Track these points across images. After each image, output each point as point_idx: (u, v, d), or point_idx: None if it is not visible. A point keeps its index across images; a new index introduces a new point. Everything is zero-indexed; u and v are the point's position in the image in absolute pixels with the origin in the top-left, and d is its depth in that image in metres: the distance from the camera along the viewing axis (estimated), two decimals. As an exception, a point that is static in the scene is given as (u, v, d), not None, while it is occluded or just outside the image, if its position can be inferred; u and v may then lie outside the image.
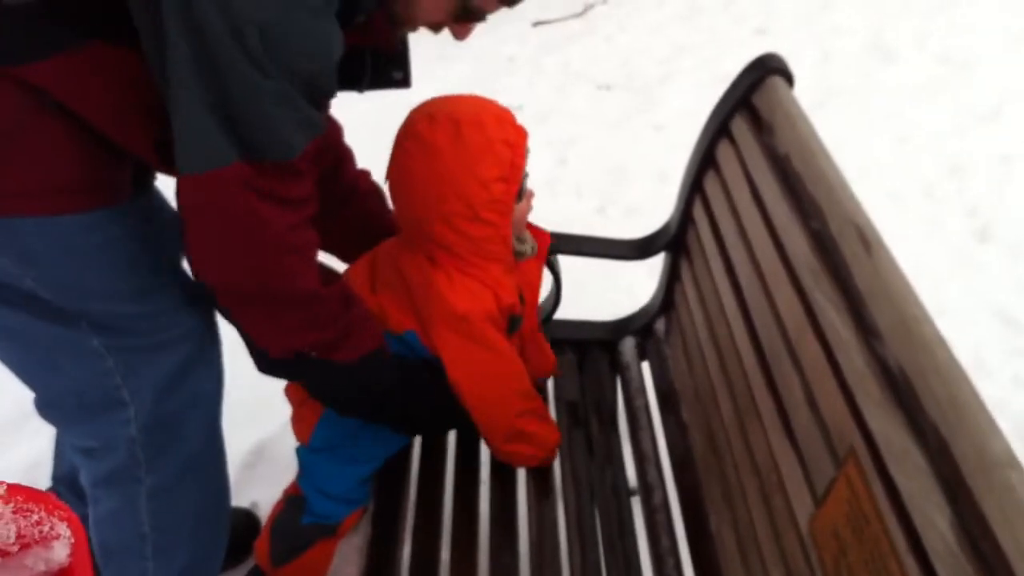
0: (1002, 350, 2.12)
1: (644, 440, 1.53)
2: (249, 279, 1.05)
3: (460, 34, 1.17)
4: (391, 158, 1.25)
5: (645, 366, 1.69)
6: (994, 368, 2.05)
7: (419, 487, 1.43)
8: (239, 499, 1.80)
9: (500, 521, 1.37)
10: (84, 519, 1.28)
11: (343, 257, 1.51)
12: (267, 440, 1.84)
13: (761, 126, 1.34)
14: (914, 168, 2.77)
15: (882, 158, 2.80)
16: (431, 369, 1.31)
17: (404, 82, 1.26)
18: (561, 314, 1.68)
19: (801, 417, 1.05)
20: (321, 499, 1.42)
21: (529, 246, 1.38)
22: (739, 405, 1.26)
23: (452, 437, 1.54)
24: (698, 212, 1.54)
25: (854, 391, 0.93)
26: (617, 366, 1.69)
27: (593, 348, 1.71)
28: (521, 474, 1.47)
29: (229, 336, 1.57)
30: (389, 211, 1.43)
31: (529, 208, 1.34)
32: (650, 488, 1.45)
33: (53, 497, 0.50)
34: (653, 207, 2.50)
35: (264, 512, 1.77)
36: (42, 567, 0.47)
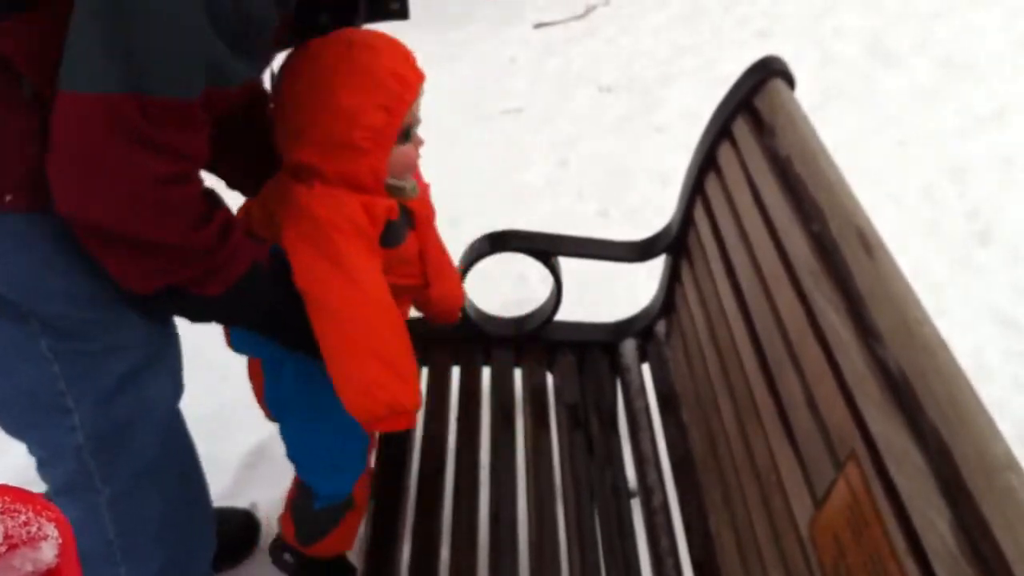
0: (1002, 352, 2.12)
1: (644, 442, 1.53)
2: (108, 219, 0.95)
3: None
4: (277, 77, 1.18)
5: (645, 368, 1.70)
6: (994, 370, 2.06)
7: (419, 487, 1.44)
8: (239, 499, 1.80)
9: (500, 522, 1.37)
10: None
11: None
12: (267, 440, 1.84)
13: (762, 128, 1.34)
14: (914, 171, 2.77)
15: (883, 160, 2.81)
16: None
17: (401, 13, 1.21)
18: (562, 316, 1.68)
19: (801, 419, 1.05)
20: (321, 480, 1.41)
21: (410, 186, 1.25)
22: (739, 407, 1.26)
23: (452, 437, 1.54)
24: (699, 214, 1.54)
25: (854, 393, 0.93)
26: (617, 368, 1.69)
27: (594, 350, 1.71)
28: (521, 475, 1.48)
29: (226, 335, 1.57)
30: None
31: (416, 156, 1.25)
32: (650, 489, 1.45)
33: (41, 498, 0.49)
34: (654, 209, 2.51)
35: (264, 512, 1.78)
36: (29, 568, 0.47)
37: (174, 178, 0.96)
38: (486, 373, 1.69)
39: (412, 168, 1.26)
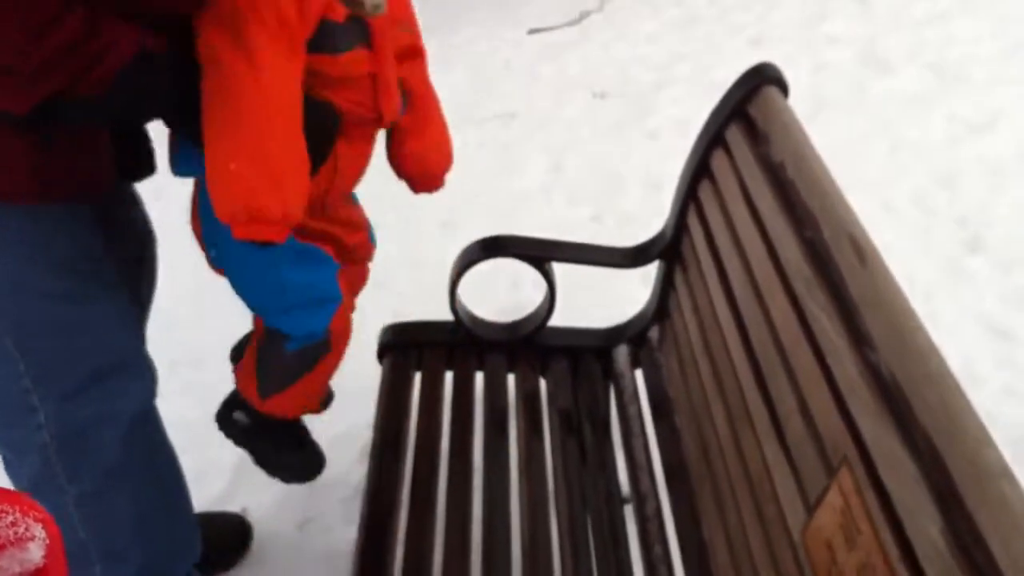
0: (992, 360, 2.13)
1: (637, 448, 1.53)
2: None
3: None
4: None
5: (638, 374, 1.69)
6: (985, 378, 2.06)
7: (411, 492, 1.43)
8: (230, 504, 1.80)
9: (493, 528, 1.37)
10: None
11: None
12: (259, 445, 1.83)
13: (755, 135, 1.35)
14: (906, 178, 2.78)
15: (875, 167, 2.82)
16: None
17: None
18: (555, 321, 1.68)
19: (794, 425, 1.05)
20: (294, 320, 1.25)
21: (371, 2, 1.08)
22: (732, 413, 1.26)
23: (446, 437, 1.54)
24: (692, 220, 1.54)
25: (847, 399, 0.93)
26: (610, 374, 1.69)
27: (586, 356, 1.71)
28: (514, 480, 1.47)
29: (226, 336, 1.57)
30: None
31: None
32: (643, 496, 1.45)
33: (28, 498, 0.49)
34: (647, 215, 2.51)
35: (255, 517, 1.77)
36: (17, 568, 0.47)
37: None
38: (479, 378, 1.68)
39: None
